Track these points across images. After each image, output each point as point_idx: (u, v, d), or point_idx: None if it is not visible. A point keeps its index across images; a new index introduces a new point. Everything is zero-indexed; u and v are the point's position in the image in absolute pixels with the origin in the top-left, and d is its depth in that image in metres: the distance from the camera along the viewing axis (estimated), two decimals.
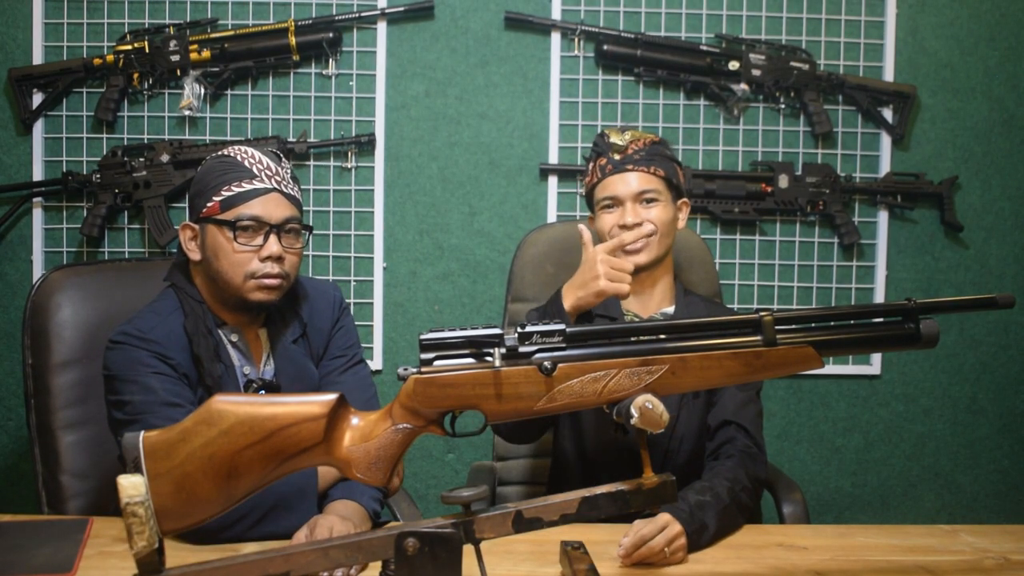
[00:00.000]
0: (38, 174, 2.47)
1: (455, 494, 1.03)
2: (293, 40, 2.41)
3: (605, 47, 2.47)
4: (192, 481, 1.01)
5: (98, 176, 2.43)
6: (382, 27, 2.49)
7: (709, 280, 2.02)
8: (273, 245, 1.50)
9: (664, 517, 1.36)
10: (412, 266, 2.55)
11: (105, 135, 2.48)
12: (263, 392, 1.55)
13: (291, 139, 2.47)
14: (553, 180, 2.52)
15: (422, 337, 1.09)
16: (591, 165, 1.77)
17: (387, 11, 2.48)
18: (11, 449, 2.53)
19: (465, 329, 1.09)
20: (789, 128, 2.55)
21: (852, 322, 1.18)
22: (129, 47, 2.42)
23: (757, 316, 1.11)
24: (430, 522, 1.05)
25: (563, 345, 1.10)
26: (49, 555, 1.31)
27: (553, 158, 2.52)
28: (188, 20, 2.46)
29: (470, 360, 1.08)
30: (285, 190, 1.53)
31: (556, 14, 2.49)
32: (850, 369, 2.61)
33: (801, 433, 2.63)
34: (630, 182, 1.70)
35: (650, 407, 1.04)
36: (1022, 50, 2.58)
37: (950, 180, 2.55)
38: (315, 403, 1.06)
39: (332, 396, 1.06)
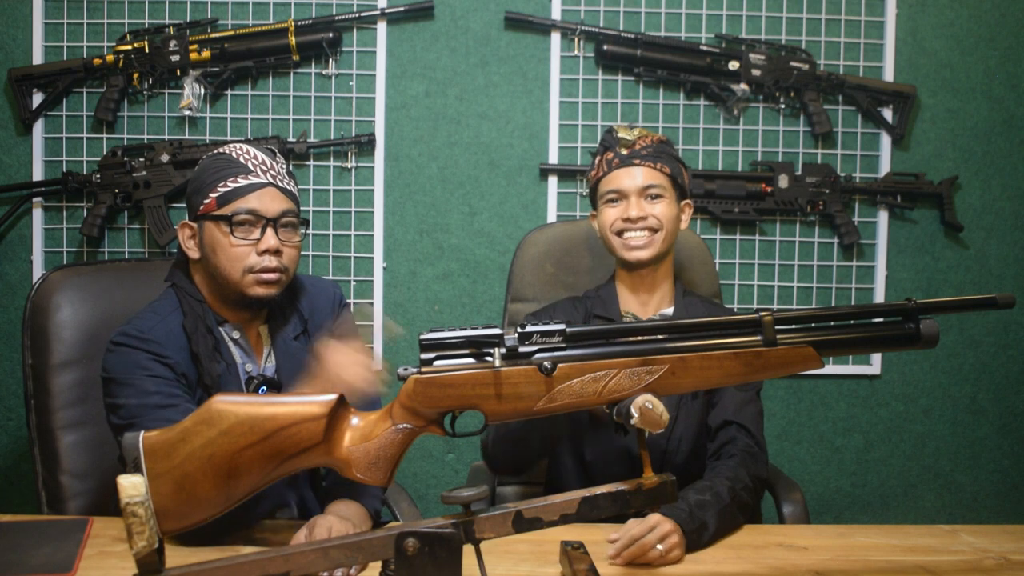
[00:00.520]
0: (38, 174, 2.47)
1: (455, 494, 1.03)
2: (293, 40, 2.41)
3: (605, 47, 2.47)
4: (192, 481, 1.01)
5: (98, 176, 2.43)
6: (382, 27, 2.49)
7: (709, 280, 2.02)
8: (270, 238, 1.51)
9: (654, 516, 1.35)
10: (412, 266, 2.55)
11: (105, 135, 2.48)
12: (264, 388, 1.55)
13: (291, 139, 2.47)
14: (553, 180, 2.52)
15: (422, 337, 1.09)
16: (597, 159, 1.77)
17: (387, 11, 2.48)
18: (11, 449, 2.53)
19: (465, 329, 1.09)
20: (789, 128, 2.55)
21: (852, 322, 1.18)
22: (129, 47, 2.42)
23: (757, 316, 1.11)
24: (430, 522, 1.05)
25: (563, 345, 1.10)
26: (49, 555, 1.31)
27: (553, 158, 2.52)
28: (188, 20, 2.45)
29: (470, 360, 1.08)
30: (280, 184, 1.53)
31: (556, 14, 2.49)
32: (850, 369, 2.61)
33: (801, 433, 2.63)
34: (636, 176, 1.70)
35: (650, 407, 1.04)
36: (1022, 50, 2.58)
37: (950, 180, 2.55)
38: (315, 403, 1.06)
39: (332, 396, 1.06)
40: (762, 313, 1.11)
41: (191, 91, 2.44)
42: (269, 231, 1.51)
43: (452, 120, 2.53)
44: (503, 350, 1.08)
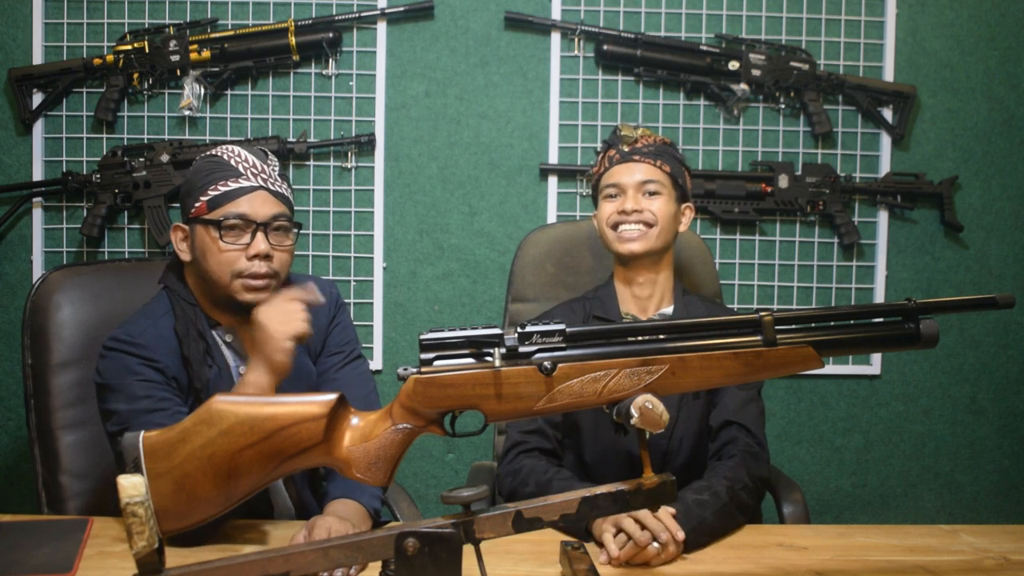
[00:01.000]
0: (38, 174, 2.47)
1: (455, 494, 1.03)
2: (293, 40, 2.41)
3: (605, 47, 2.47)
4: (192, 481, 1.01)
5: (98, 176, 2.43)
6: (382, 27, 2.49)
7: (709, 280, 2.02)
8: (260, 243, 1.49)
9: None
10: (412, 266, 2.55)
11: (105, 135, 2.48)
12: None
13: (291, 139, 2.47)
14: (553, 180, 2.52)
15: (422, 337, 1.09)
16: (600, 157, 1.79)
17: (387, 11, 2.48)
18: (11, 449, 2.53)
19: (465, 329, 1.09)
20: (789, 128, 2.55)
21: (852, 322, 1.18)
22: (129, 47, 2.42)
23: (757, 316, 1.11)
24: (430, 522, 1.05)
25: (563, 345, 1.10)
26: (49, 555, 1.31)
27: (553, 158, 2.52)
28: (188, 20, 2.46)
29: (470, 360, 1.08)
30: (272, 187, 1.52)
31: (556, 14, 2.49)
32: (850, 369, 2.61)
33: (801, 433, 2.63)
34: (635, 172, 1.72)
35: (650, 407, 1.04)
36: (1022, 50, 2.58)
37: (950, 180, 2.55)
38: (315, 403, 1.06)
39: (332, 396, 1.06)
40: (762, 313, 1.11)
41: (191, 91, 2.44)
42: (259, 236, 1.50)
43: (452, 120, 2.53)
44: (503, 350, 1.08)
